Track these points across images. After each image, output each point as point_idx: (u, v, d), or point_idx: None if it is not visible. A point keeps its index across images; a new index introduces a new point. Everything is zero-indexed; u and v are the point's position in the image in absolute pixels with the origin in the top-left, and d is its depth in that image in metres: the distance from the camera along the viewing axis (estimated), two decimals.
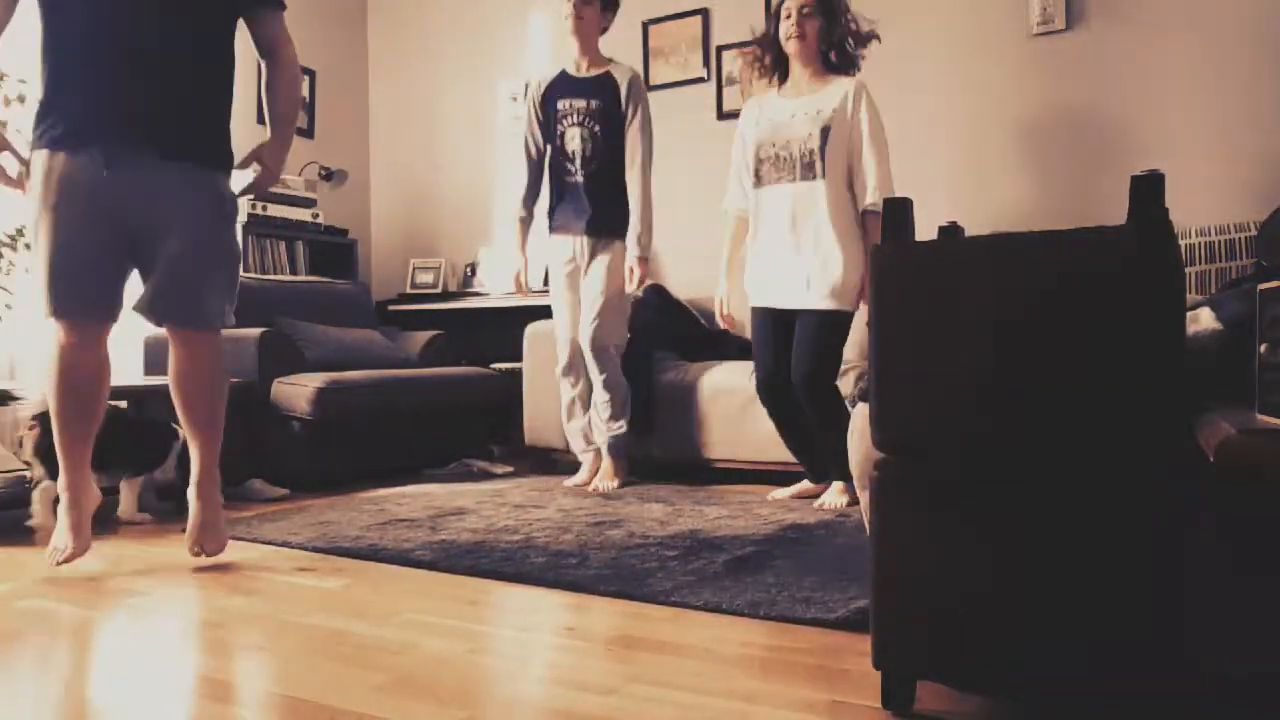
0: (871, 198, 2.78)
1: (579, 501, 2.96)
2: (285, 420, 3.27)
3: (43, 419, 2.55)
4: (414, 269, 4.89)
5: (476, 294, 4.63)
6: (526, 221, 3.42)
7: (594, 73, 3.25)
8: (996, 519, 1.18)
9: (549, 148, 3.34)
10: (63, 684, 1.46)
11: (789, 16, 2.87)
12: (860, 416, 1.51)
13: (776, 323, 2.89)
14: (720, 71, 4.16)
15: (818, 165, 2.82)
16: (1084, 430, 1.12)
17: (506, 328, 3.87)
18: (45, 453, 2.50)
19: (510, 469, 3.73)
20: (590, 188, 3.23)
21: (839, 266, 2.78)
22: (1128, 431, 1.10)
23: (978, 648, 1.19)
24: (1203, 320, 1.29)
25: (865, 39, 2.92)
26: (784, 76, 3.00)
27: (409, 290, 4.84)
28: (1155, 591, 1.09)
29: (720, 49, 4.17)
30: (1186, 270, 3.04)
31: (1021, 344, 1.15)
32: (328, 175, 4.55)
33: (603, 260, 3.22)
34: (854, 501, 2.71)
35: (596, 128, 3.21)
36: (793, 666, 1.48)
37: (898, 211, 1.27)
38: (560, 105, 3.27)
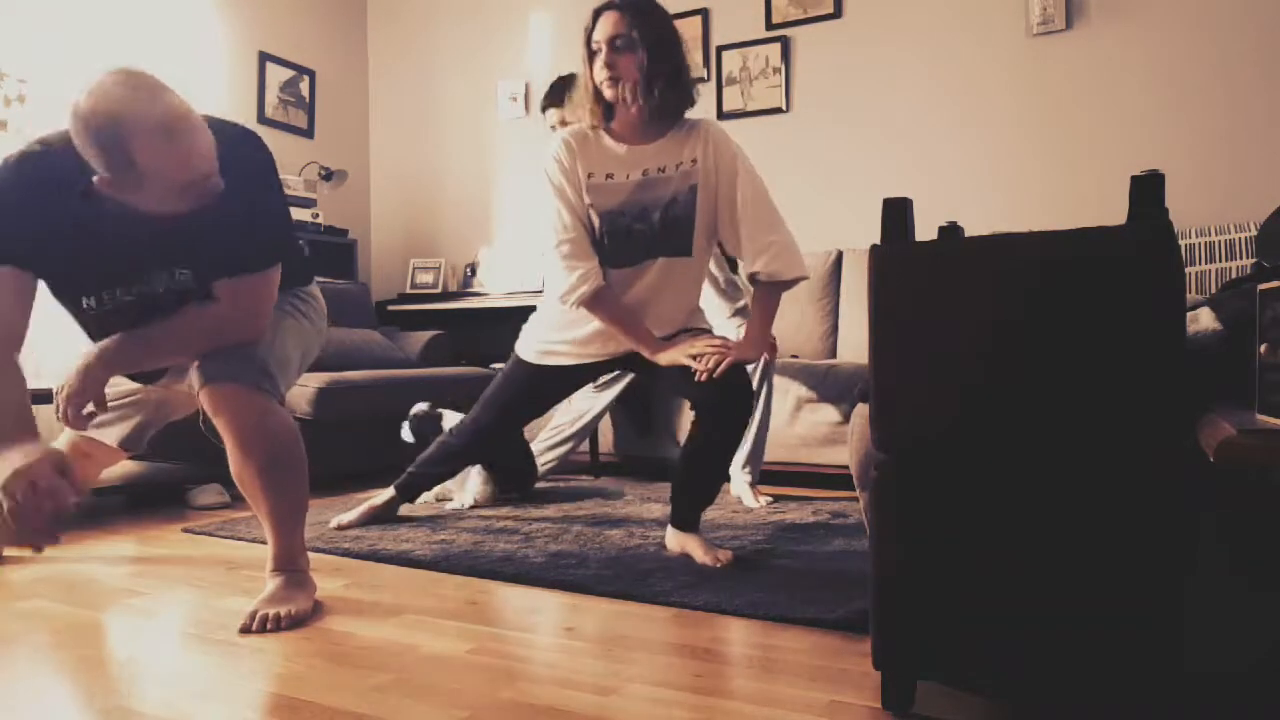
0: (772, 266, 2.09)
1: (579, 501, 2.96)
2: None
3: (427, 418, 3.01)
4: (414, 269, 4.89)
5: (476, 294, 4.63)
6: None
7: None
8: (996, 519, 1.18)
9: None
10: (62, 685, 1.46)
11: (598, 51, 2.08)
12: (860, 416, 1.50)
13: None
14: (720, 71, 4.16)
15: (687, 238, 2.14)
16: (1084, 430, 1.12)
17: (506, 328, 3.84)
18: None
19: None
20: None
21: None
22: (1128, 432, 1.10)
23: (978, 648, 1.19)
24: (1203, 320, 1.29)
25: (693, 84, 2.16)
26: (609, 118, 2.17)
27: (409, 290, 4.84)
28: (1155, 591, 1.09)
29: (720, 49, 4.17)
30: (1186, 270, 3.04)
31: (1021, 344, 1.15)
32: (328, 175, 4.55)
33: None
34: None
35: None
36: (792, 666, 1.48)
37: (898, 211, 1.27)
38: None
